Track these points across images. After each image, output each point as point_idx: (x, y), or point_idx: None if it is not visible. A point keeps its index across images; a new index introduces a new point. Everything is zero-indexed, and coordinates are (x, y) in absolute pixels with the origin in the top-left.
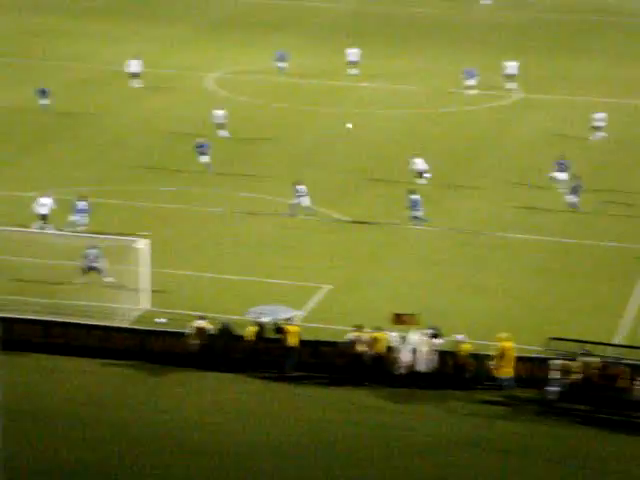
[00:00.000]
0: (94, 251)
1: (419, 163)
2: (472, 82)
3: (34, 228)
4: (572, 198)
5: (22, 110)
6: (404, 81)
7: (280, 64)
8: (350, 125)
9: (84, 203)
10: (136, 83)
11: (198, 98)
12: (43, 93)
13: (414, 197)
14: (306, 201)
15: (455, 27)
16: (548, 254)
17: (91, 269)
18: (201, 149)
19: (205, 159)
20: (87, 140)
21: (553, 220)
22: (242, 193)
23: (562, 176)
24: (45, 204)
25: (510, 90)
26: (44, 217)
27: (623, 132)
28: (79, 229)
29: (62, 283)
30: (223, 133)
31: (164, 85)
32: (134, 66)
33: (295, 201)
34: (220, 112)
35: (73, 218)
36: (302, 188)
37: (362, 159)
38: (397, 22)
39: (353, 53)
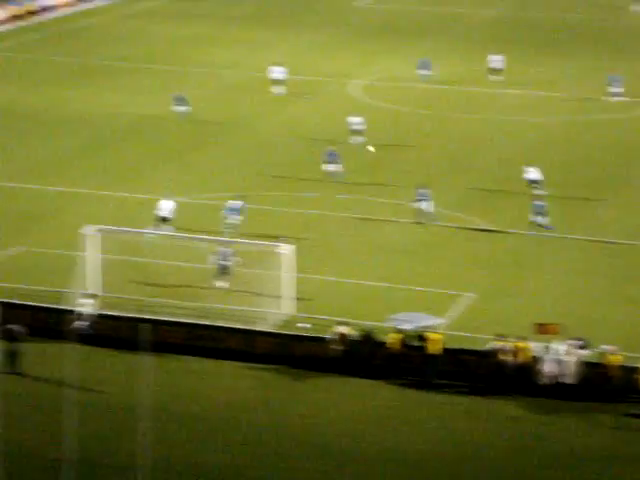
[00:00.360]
0: (226, 250)
1: (531, 172)
2: (617, 89)
3: (150, 229)
4: None
5: (168, 117)
6: (549, 88)
7: (423, 72)
8: (372, 148)
9: (238, 203)
10: (278, 90)
11: (343, 105)
12: (180, 101)
13: (538, 203)
14: (427, 206)
15: (603, 33)
16: None
17: (223, 268)
18: (330, 157)
19: (332, 167)
20: (231, 146)
21: None
22: (385, 200)
23: None
24: (166, 208)
25: None
26: (164, 220)
27: None
28: (230, 230)
29: (205, 287)
30: (359, 139)
31: (309, 92)
32: (277, 73)
33: (415, 205)
34: (357, 119)
35: (227, 218)
36: (424, 192)
37: (506, 167)
38: (543, 28)
39: (496, 60)
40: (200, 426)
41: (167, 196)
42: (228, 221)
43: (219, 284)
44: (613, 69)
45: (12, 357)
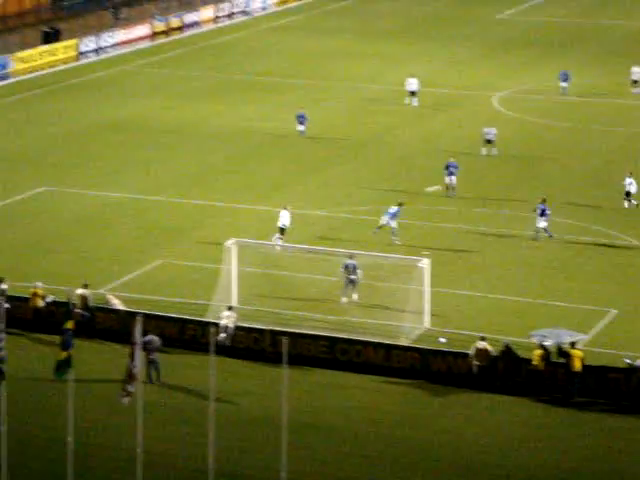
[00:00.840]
0: (352, 262)
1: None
2: None
3: (274, 240)
4: None
5: (319, 129)
6: None
7: (563, 84)
8: (433, 189)
9: (396, 209)
10: (413, 101)
11: (482, 117)
12: (302, 119)
13: (542, 206)
14: (542, 222)
15: None
16: None
17: (350, 281)
18: (449, 169)
19: (451, 179)
20: (370, 160)
21: None
22: (524, 213)
23: None
24: (284, 217)
25: None
26: (282, 230)
27: None
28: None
29: (339, 301)
30: (493, 151)
31: (448, 104)
32: (412, 84)
33: (538, 224)
34: (492, 130)
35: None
36: (542, 207)
37: None
38: None
39: (637, 72)
40: (339, 440)
41: (307, 209)
42: (385, 225)
43: (344, 299)
44: None
45: (152, 367)
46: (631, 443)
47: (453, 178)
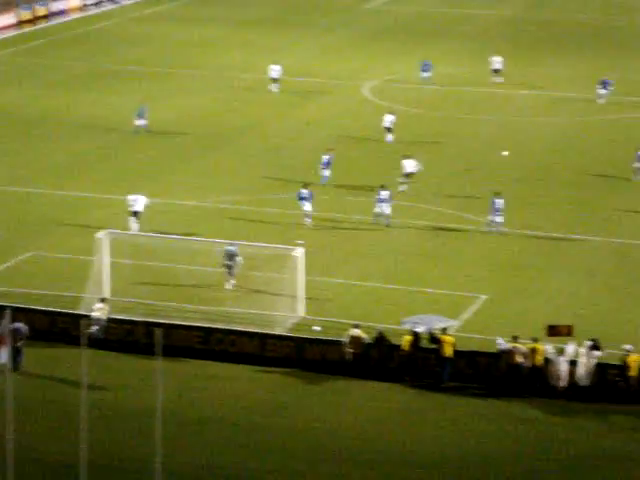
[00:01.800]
0: (232, 249)
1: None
2: (604, 91)
3: (132, 224)
4: None
5: (179, 120)
6: (562, 88)
7: (424, 74)
8: (506, 153)
9: (387, 192)
10: (274, 88)
11: (353, 106)
12: (142, 113)
13: (498, 200)
14: (386, 208)
15: (615, 35)
16: None
17: (227, 267)
18: (324, 164)
19: (326, 173)
20: (241, 149)
21: None
22: (400, 202)
23: None
24: (136, 201)
25: None
26: (136, 214)
27: None
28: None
29: (218, 290)
30: (389, 138)
31: (319, 93)
32: (274, 71)
33: (376, 208)
34: (390, 117)
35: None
36: (385, 193)
37: (523, 169)
38: (556, 29)
39: (497, 61)
40: (214, 430)
41: (179, 199)
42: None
43: (227, 285)
44: (626, 69)
45: (16, 355)
46: (501, 427)
47: (326, 171)
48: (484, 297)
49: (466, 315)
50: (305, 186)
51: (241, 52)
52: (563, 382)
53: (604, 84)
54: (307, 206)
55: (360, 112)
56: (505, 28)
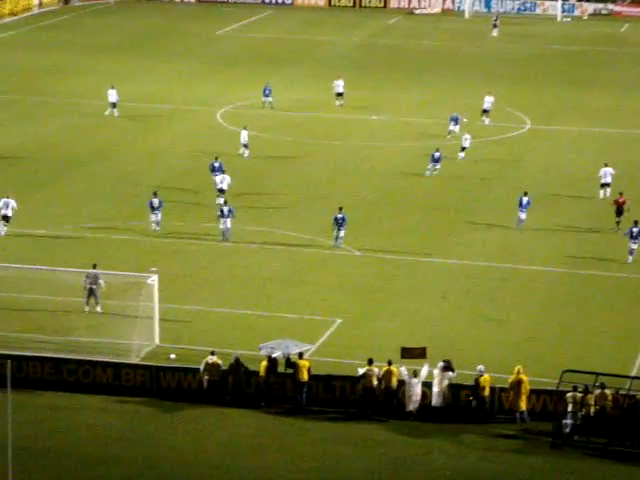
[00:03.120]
0: (94, 272)
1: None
2: (455, 128)
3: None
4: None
5: (26, 147)
6: (413, 114)
7: (266, 99)
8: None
9: (227, 208)
10: (114, 112)
11: (206, 132)
12: None
13: (340, 216)
14: (227, 223)
15: (465, 59)
16: (561, 285)
17: (90, 291)
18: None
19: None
20: (94, 176)
21: (565, 251)
22: (252, 227)
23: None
24: (7, 205)
25: (522, 122)
26: (6, 218)
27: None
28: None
29: (72, 319)
30: (246, 152)
31: (172, 119)
32: (112, 96)
33: (221, 224)
34: (245, 132)
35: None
36: (226, 208)
37: (371, 191)
38: (407, 55)
39: (339, 85)
40: (68, 462)
41: (30, 227)
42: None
43: (87, 308)
44: (475, 93)
45: None
46: (358, 450)
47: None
48: (339, 321)
49: (322, 339)
50: (155, 195)
51: (91, 78)
52: (417, 404)
53: (455, 120)
54: (155, 216)
55: (212, 137)
56: (354, 54)
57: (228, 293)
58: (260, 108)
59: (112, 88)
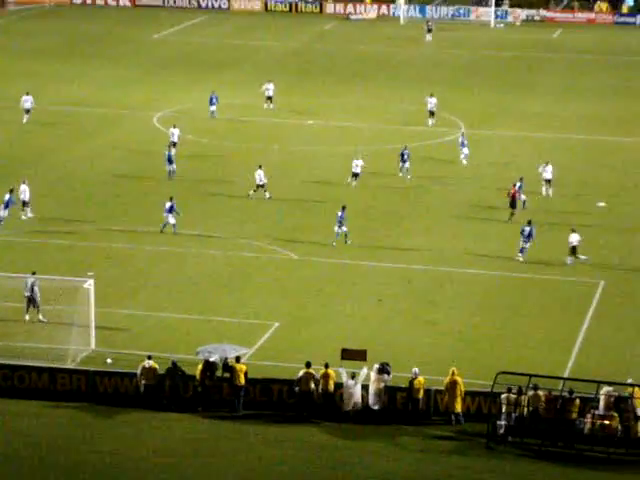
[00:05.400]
0: (31, 279)
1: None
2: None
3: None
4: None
5: None
6: (349, 118)
7: (212, 107)
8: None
9: (170, 204)
10: (26, 119)
11: (142, 136)
12: None
13: (340, 214)
14: (171, 219)
15: (400, 64)
16: (496, 288)
17: (30, 300)
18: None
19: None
20: (31, 180)
21: (501, 254)
22: (190, 231)
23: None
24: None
25: (457, 125)
26: (25, 203)
27: (566, 166)
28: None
29: (8, 325)
30: (172, 151)
31: (109, 124)
32: (27, 102)
33: (165, 219)
34: (175, 130)
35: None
36: (169, 204)
37: (308, 195)
38: (343, 60)
39: (269, 89)
40: (2, 468)
41: None
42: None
43: (27, 317)
44: (410, 98)
45: None
46: (296, 453)
47: None
48: (277, 324)
49: (259, 343)
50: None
51: (25, 82)
52: (354, 406)
53: (462, 144)
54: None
55: (149, 141)
56: (290, 60)
57: (165, 297)
58: (196, 112)
59: (27, 94)
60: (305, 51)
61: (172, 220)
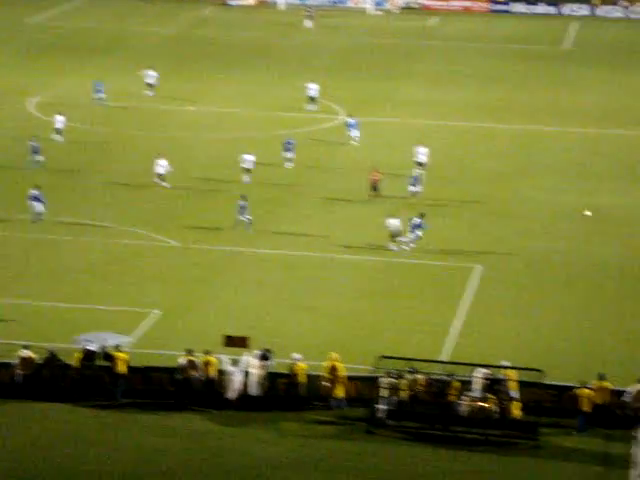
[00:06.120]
0: None
1: (247, 160)
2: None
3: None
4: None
5: None
6: (230, 104)
7: (97, 94)
8: (589, 213)
9: (419, 220)
10: None
11: (18, 123)
12: None
13: (242, 203)
14: (40, 207)
15: (280, 51)
16: (376, 273)
17: None
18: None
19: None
20: None
21: (380, 241)
22: (67, 218)
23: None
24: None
25: (335, 112)
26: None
27: (447, 153)
28: None
29: None
30: (58, 138)
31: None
32: None
33: (31, 206)
34: (60, 117)
35: None
36: (36, 193)
37: (189, 183)
38: (220, 47)
39: (150, 75)
40: None
41: None
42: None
43: None
44: (290, 84)
45: None
46: (177, 441)
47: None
48: (158, 312)
49: (140, 331)
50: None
51: None
52: (236, 393)
53: (351, 126)
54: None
55: (25, 128)
56: (169, 45)
57: (42, 286)
58: (74, 99)
59: None
60: (185, 37)
61: (39, 208)
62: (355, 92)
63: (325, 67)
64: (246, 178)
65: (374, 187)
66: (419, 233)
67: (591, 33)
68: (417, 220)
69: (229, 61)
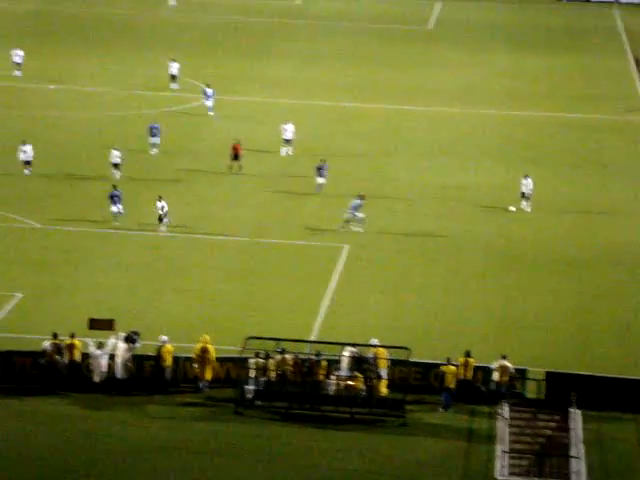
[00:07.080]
0: None
1: (115, 156)
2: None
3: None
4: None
5: None
6: (91, 83)
7: None
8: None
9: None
10: None
11: None
12: None
13: (115, 192)
14: None
15: (143, 28)
16: (244, 254)
17: None
18: None
19: None
20: None
21: (249, 220)
22: None
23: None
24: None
25: (176, 90)
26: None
27: (311, 133)
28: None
29: None
30: None
31: None
32: None
33: None
34: None
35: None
36: None
37: (54, 163)
38: (82, 23)
39: (19, 54)
40: None
41: None
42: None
43: None
44: (154, 63)
45: None
46: (40, 425)
47: None
48: (20, 295)
49: (1, 315)
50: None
51: None
52: (101, 376)
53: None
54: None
55: None
56: (30, 22)
57: None
58: None
59: None
60: (44, 13)
61: None
62: (222, 70)
63: (191, 45)
64: (116, 174)
65: (235, 156)
66: (360, 215)
67: (453, 14)
68: (357, 201)
69: (91, 38)
